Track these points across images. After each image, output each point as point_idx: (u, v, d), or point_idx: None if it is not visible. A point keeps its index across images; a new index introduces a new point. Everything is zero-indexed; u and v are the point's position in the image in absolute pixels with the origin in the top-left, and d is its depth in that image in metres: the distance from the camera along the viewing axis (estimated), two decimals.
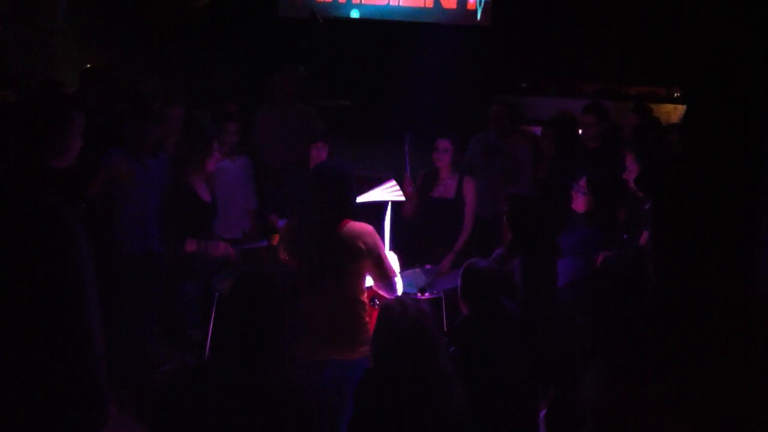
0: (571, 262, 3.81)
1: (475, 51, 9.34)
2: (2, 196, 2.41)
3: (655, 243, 2.50)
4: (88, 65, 7.49)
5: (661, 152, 4.05)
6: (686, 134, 2.52)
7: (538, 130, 6.17)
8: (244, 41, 9.04)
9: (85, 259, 2.43)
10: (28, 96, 5.70)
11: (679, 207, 2.39)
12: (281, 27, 9.19)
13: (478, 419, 2.73)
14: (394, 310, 2.63)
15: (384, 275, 3.36)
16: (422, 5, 9.69)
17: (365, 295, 3.43)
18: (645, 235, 3.77)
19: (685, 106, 2.53)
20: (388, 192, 4.00)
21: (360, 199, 3.80)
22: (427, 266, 4.64)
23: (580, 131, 5.53)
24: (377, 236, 3.37)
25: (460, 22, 9.61)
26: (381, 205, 4.06)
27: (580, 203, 4.06)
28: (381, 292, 3.45)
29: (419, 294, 4.14)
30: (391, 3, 9.70)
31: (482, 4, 9.56)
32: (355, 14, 9.72)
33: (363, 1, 9.77)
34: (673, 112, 8.10)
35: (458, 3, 9.66)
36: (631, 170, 3.90)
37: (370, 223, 3.43)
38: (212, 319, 4.38)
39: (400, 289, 3.45)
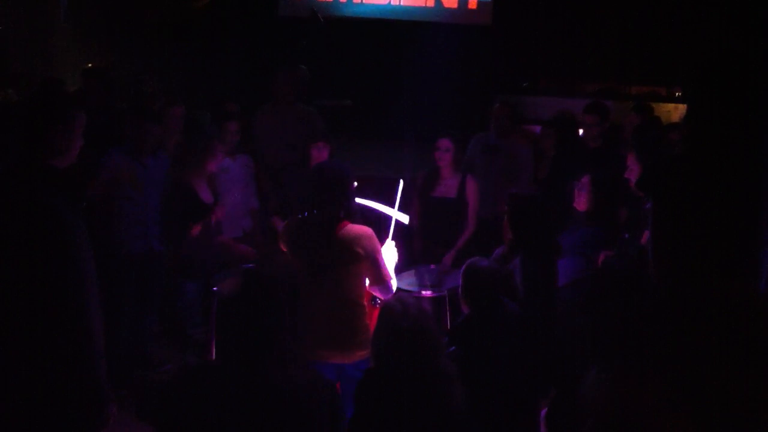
0: (571, 262, 3.81)
1: (476, 50, 9.35)
2: (3, 196, 2.41)
3: (655, 242, 2.50)
4: (89, 65, 7.50)
5: (662, 151, 4.04)
6: (687, 134, 2.53)
7: (538, 129, 6.18)
8: (245, 41, 9.04)
9: (85, 258, 2.43)
10: (29, 95, 5.70)
11: (680, 207, 2.39)
12: (281, 26, 9.20)
13: (479, 419, 2.73)
14: (395, 310, 2.62)
15: (380, 278, 3.36)
16: (423, 4, 9.68)
17: (365, 297, 3.43)
18: (646, 234, 3.77)
19: (685, 106, 2.53)
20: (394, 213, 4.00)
21: (365, 203, 3.82)
22: (431, 266, 4.62)
23: (581, 131, 5.53)
24: (375, 239, 3.36)
25: (460, 22, 9.61)
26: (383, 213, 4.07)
27: (582, 201, 4.06)
28: (375, 294, 3.45)
29: (422, 292, 4.13)
30: (391, 2, 9.69)
31: None
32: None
33: (364, 0, 9.77)
34: (674, 111, 8.10)
35: (459, 2, 9.66)
36: (632, 170, 3.89)
37: (370, 223, 3.43)
38: (212, 319, 4.38)
39: (394, 290, 3.45)
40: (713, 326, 0.92)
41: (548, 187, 5.04)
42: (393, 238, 3.74)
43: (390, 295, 3.36)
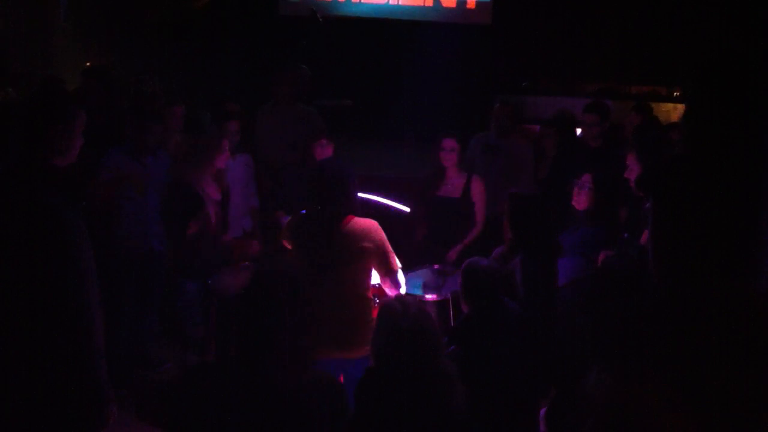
0: (572, 262, 3.81)
1: (476, 50, 9.35)
2: (4, 195, 2.41)
3: (654, 242, 2.50)
4: (88, 64, 7.49)
5: (662, 151, 4.05)
6: (687, 134, 2.52)
7: (538, 129, 6.18)
8: (245, 40, 9.04)
9: (85, 258, 2.43)
10: (29, 94, 5.69)
11: (680, 206, 2.39)
12: (282, 26, 9.20)
13: (479, 419, 2.73)
14: (394, 309, 2.62)
15: (389, 271, 3.37)
16: (422, 4, 9.68)
17: (371, 292, 3.43)
18: (646, 234, 3.77)
19: (685, 106, 2.53)
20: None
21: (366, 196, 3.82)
22: (436, 266, 4.60)
23: (582, 130, 5.53)
24: (382, 232, 3.37)
25: (459, 21, 9.61)
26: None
27: (582, 200, 4.05)
28: (385, 287, 3.45)
29: (426, 296, 4.10)
30: (390, 2, 9.69)
31: None
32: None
33: (362, 0, 9.77)
34: (674, 111, 8.11)
35: (457, 2, 9.65)
36: (633, 169, 3.89)
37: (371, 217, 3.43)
38: (212, 319, 4.38)
39: (403, 283, 3.46)
40: (713, 326, 0.92)
41: (548, 187, 5.05)
42: (395, 235, 3.72)
43: (399, 287, 3.38)
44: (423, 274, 4.45)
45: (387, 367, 2.55)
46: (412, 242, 4.88)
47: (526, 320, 3.25)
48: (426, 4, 9.68)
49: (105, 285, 2.58)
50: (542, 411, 3.38)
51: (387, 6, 9.71)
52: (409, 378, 2.48)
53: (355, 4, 9.78)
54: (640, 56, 9.08)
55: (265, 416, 2.10)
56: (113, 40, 8.31)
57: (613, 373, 0.96)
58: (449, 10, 9.67)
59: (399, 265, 3.46)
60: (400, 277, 3.44)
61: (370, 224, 3.33)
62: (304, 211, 3.47)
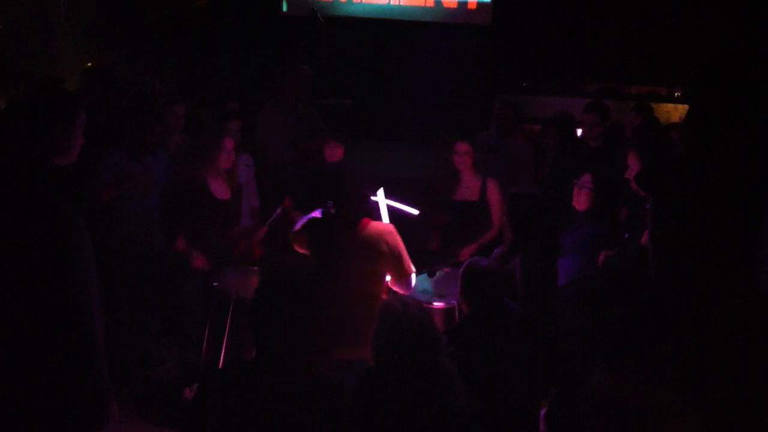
0: (572, 261, 3.81)
1: (476, 50, 9.34)
2: (5, 194, 2.41)
3: (654, 242, 2.50)
4: (89, 63, 7.49)
5: (662, 150, 4.04)
6: (688, 133, 2.52)
7: (538, 129, 6.18)
8: (246, 40, 9.03)
9: (86, 257, 2.43)
10: (30, 94, 5.70)
11: (681, 206, 2.39)
12: (282, 25, 9.20)
13: (479, 419, 2.73)
14: (394, 309, 2.62)
15: (402, 275, 3.39)
16: (422, 4, 9.68)
17: (384, 293, 3.44)
18: (646, 234, 3.76)
19: (686, 106, 2.53)
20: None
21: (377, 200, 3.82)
22: (445, 269, 4.54)
23: (582, 130, 5.53)
24: (398, 235, 3.39)
25: (460, 22, 9.61)
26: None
27: (582, 200, 4.05)
28: (396, 289, 3.47)
29: (434, 303, 4.06)
30: (391, 2, 9.69)
31: None
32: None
33: (363, 0, 9.77)
34: (674, 111, 8.11)
35: (458, 2, 9.66)
36: (633, 169, 3.89)
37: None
38: (212, 318, 4.37)
39: (413, 284, 3.47)
40: (714, 326, 0.92)
41: (548, 187, 5.04)
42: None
43: (410, 291, 3.40)
44: (432, 279, 4.39)
45: (387, 367, 2.55)
46: (426, 249, 4.84)
47: (526, 320, 3.25)
48: (427, 5, 9.68)
49: (105, 285, 2.58)
50: (542, 411, 3.38)
51: (388, 6, 9.71)
52: (409, 378, 2.48)
53: (356, 4, 9.77)
54: (640, 56, 9.08)
55: (279, 417, 2.10)
56: (113, 39, 8.30)
57: (613, 373, 0.96)
58: (450, 10, 9.67)
59: (413, 269, 3.47)
60: (413, 280, 3.46)
61: (386, 228, 3.35)
62: (316, 214, 3.48)
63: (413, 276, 3.45)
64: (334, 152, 4.89)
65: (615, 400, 0.95)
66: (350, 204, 3.31)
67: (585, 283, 3.81)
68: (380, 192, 3.98)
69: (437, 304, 4.03)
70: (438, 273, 4.36)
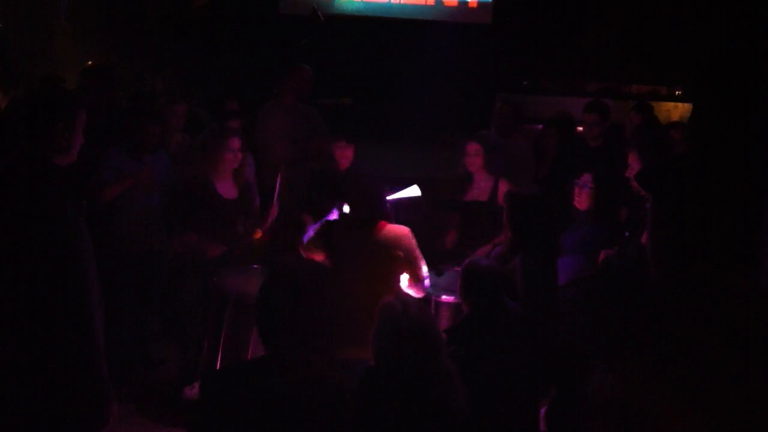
0: (573, 261, 3.81)
1: (477, 50, 9.35)
2: (5, 193, 2.41)
3: (654, 242, 2.49)
4: (89, 63, 7.49)
5: (663, 150, 4.04)
6: (690, 133, 2.52)
7: (539, 128, 6.18)
8: (245, 39, 9.04)
9: (86, 256, 2.43)
10: (30, 93, 5.69)
11: (681, 206, 2.39)
12: (282, 24, 9.20)
13: (479, 418, 2.73)
14: (394, 309, 2.62)
15: (417, 277, 3.44)
16: (423, 3, 9.67)
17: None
18: (646, 233, 3.76)
19: (686, 105, 2.53)
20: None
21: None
22: (456, 268, 4.54)
23: (582, 129, 5.52)
24: (413, 239, 3.41)
25: (460, 21, 9.61)
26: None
27: (583, 200, 4.06)
28: (410, 291, 3.49)
29: (442, 297, 4.07)
30: (392, 1, 9.68)
31: None
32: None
33: None
34: (674, 110, 8.11)
35: (459, 1, 9.65)
36: (633, 169, 3.89)
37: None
38: (212, 318, 4.37)
39: (427, 286, 3.51)
40: (714, 325, 0.92)
41: (548, 187, 5.04)
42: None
43: (423, 293, 3.42)
44: (446, 277, 4.40)
45: (387, 367, 2.55)
46: (441, 249, 4.85)
47: (527, 320, 3.25)
48: (427, 3, 9.68)
49: (105, 285, 2.58)
50: (542, 411, 3.38)
51: (388, 5, 9.71)
52: (409, 377, 2.48)
53: (357, 2, 9.77)
54: (640, 56, 9.09)
55: (279, 417, 2.11)
56: (113, 39, 8.30)
57: (613, 373, 0.96)
58: (450, 9, 9.66)
59: (426, 272, 3.49)
60: (426, 282, 3.50)
61: (403, 231, 3.37)
62: (331, 217, 3.50)
63: (427, 280, 3.50)
64: (344, 153, 4.86)
65: (615, 400, 0.95)
66: (366, 205, 3.32)
67: (585, 283, 3.81)
68: (414, 187, 4.00)
69: (445, 298, 4.04)
70: (446, 273, 4.37)
